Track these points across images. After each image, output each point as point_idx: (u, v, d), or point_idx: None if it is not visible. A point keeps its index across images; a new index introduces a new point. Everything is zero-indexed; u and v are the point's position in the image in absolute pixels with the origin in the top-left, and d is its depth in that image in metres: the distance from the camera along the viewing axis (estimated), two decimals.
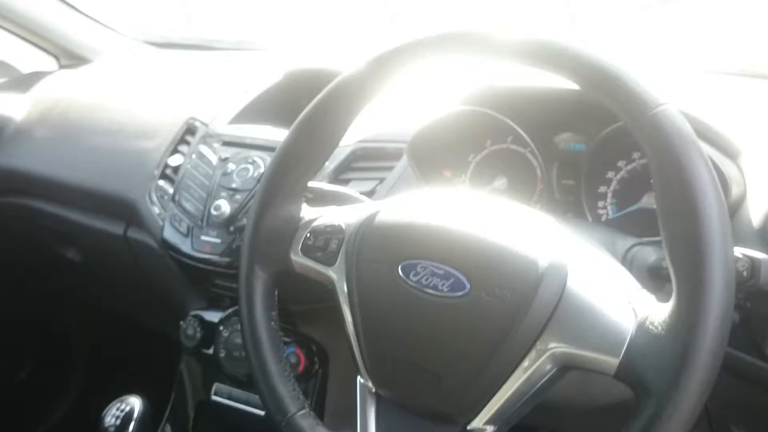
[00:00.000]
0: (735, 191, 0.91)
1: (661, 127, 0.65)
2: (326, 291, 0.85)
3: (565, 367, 0.70)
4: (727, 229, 0.64)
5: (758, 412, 1.03)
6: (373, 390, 0.81)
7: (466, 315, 0.72)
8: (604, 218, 1.05)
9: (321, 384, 1.26)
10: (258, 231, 0.89)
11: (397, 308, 0.76)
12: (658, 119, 0.65)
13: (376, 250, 0.79)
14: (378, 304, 0.78)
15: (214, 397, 1.34)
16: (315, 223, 0.88)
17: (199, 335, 1.30)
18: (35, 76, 1.77)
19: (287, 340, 1.24)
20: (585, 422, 1.23)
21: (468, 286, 0.72)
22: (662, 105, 0.65)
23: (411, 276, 0.76)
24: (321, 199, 0.94)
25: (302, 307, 1.24)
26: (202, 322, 1.31)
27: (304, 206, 0.91)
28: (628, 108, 0.67)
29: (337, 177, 1.14)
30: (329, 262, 0.84)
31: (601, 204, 1.06)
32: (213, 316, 1.31)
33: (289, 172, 0.89)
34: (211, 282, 1.27)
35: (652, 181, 0.67)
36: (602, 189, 1.06)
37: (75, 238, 1.57)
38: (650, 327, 0.66)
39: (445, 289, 0.73)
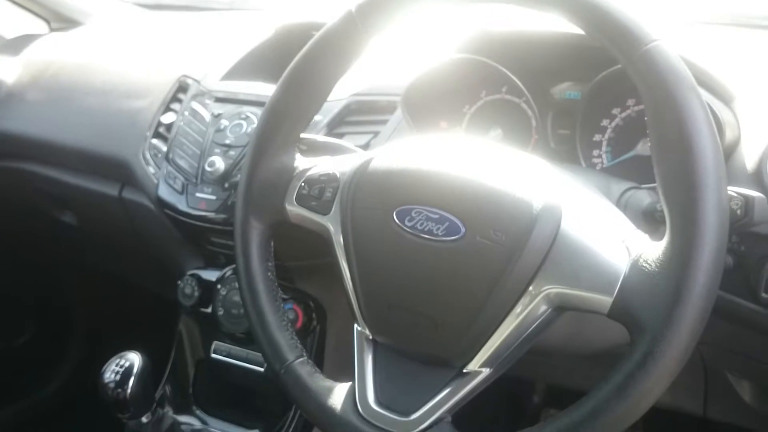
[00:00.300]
0: (729, 135, 0.91)
1: (654, 62, 0.64)
2: (322, 244, 0.85)
3: (560, 308, 0.71)
4: (720, 164, 0.64)
5: (752, 357, 1.04)
6: (370, 337, 0.81)
7: (461, 259, 0.72)
8: (599, 167, 1.05)
9: (319, 340, 1.27)
10: (252, 182, 0.89)
11: (393, 254, 0.76)
12: (651, 55, 0.65)
13: (371, 197, 0.79)
14: (373, 250, 0.78)
15: (214, 356, 1.34)
16: (309, 173, 0.87)
17: (196, 294, 1.31)
18: (26, 39, 1.75)
19: (285, 296, 1.24)
20: (580, 373, 1.24)
21: (463, 229, 0.72)
22: (655, 41, 0.65)
23: (406, 221, 0.76)
24: (315, 150, 0.94)
25: (299, 263, 1.24)
26: (200, 281, 1.32)
27: (298, 156, 0.90)
28: (621, 45, 0.67)
29: (331, 131, 1.14)
30: (324, 210, 0.84)
31: (596, 153, 1.06)
32: (210, 275, 1.32)
33: (281, 123, 0.88)
34: (207, 240, 1.27)
35: (646, 118, 0.67)
36: (597, 137, 1.05)
37: (70, 201, 1.56)
38: (644, 265, 0.66)
39: (440, 234, 0.73)
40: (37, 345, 2.04)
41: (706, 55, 0.99)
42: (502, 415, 1.70)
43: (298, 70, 0.87)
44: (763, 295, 0.85)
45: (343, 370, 0.84)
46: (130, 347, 1.13)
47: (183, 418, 1.33)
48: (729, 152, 0.90)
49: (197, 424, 1.33)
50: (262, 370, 1.28)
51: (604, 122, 1.05)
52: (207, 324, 1.34)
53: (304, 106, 0.88)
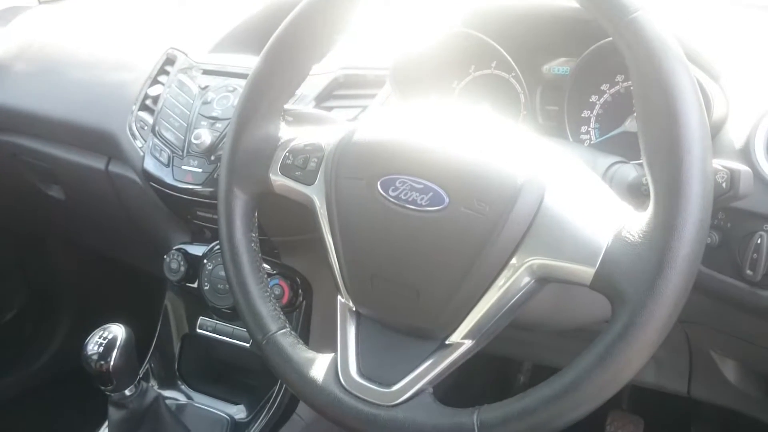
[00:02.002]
0: (718, 111, 0.90)
1: (641, 29, 0.64)
2: (309, 219, 0.84)
3: (543, 279, 0.70)
4: (706, 133, 0.63)
5: (737, 336, 1.04)
6: (353, 308, 0.81)
7: (444, 229, 0.72)
8: (587, 143, 1.05)
9: (305, 315, 1.27)
10: (236, 151, 0.88)
11: (377, 224, 0.76)
12: (638, 22, 0.64)
13: (355, 167, 0.79)
14: (357, 220, 0.78)
15: (199, 331, 1.35)
16: (293, 143, 0.87)
17: (183, 269, 1.30)
18: (14, 11, 1.74)
19: (271, 272, 1.24)
20: (567, 352, 1.24)
21: (447, 199, 0.72)
22: (642, 9, 0.64)
23: (390, 191, 0.75)
24: (301, 121, 0.93)
25: (286, 238, 1.24)
26: (186, 255, 1.31)
27: (283, 126, 0.90)
28: (607, 13, 0.66)
29: (319, 105, 1.13)
30: (308, 180, 0.84)
31: (584, 129, 1.05)
32: (197, 250, 1.31)
33: (265, 92, 0.88)
34: (193, 214, 1.26)
35: (632, 87, 0.66)
36: (585, 113, 1.05)
37: (57, 175, 1.56)
38: (627, 236, 0.65)
39: (424, 204, 0.73)
40: (24, 320, 2.04)
41: (695, 30, 0.99)
42: (488, 394, 1.70)
43: (281, 38, 0.86)
44: (748, 272, 0.85)
45: (329, 346, 0.84)
46: (118, 322, 1.12)
47: (167, 393, 1.33)
48: (717, 128, 0.90)
49: (182, 398, 1.33)
50: (247, 345, 1.28)
51: (593, 98, 1.04)
52: (193, 299, 1.34)
53: (288, 75, 0.88)
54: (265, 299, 0.87)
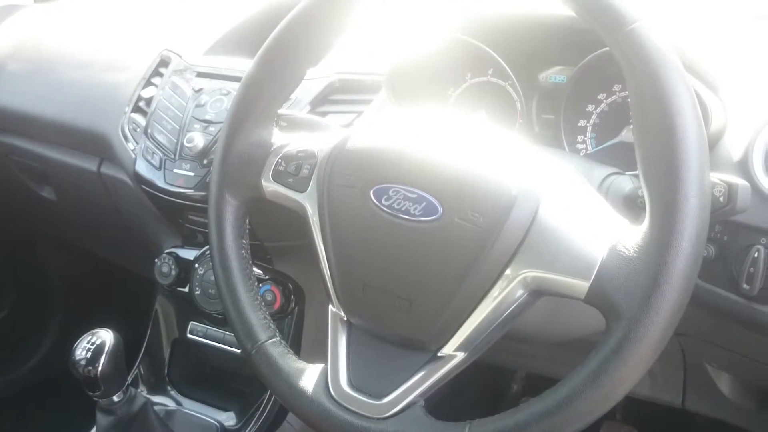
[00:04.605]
0: (716, 123, 0.89)
1: (639, 41, 0.63)
2: (301, 224, 0.83)
3: (536, 292, 0.69)
4: (704, 147, 0.62)
5: (732, 349, 1.03)
6: (345, 318, 0.80)
7: (438, 239, 0.71)
8: (583, 153, 1.04)
9: (297, 322, 1.26)
10: (227, 156, 0.87)
11: (369, 233, 0.75)
12: (636, 33, 0.63)
13: (348, 175, 0.78)
14: (349, 229, 0.77)
15: (190, 336, 1.33)
16: (286, 149, 0.86)
17: (174, 273, 1.29)
18: (9, 10, 1.73)
19: (264, 277, 1.23)
20: (560, 362, 1.23)
21: (440, 210, 0.71)
22: (640, 20, 0.64)
23: (383, 200, 0.74)
24: (294, 127, 0.92)
25: (278, 244, 1.23)
26: (177, 259, 1.30)
27: (276, 132, 0.89)
28: (605, 23, 0.65)
29: (313, 110, 1.12)
30: (301, 188, 0.83)
31: (580, 138, 1.04)
32: (188, 254, 1.30)
33: (258, 97, 0.87)
34: (185, 217, 1.25)
35: (629, 99, 0.65)
36: (582, 123, 1.04)
37: (49, 175, 1.54)
38: (622, 250, 0.65)
39: (418, 213, 0.72)
40: (14, 322, 2.02)
41: (697, 41, 0.98)
42: (480, 403, 1.69)
43: (277, 42, 0.85)
44: (745, 286, 0.84)
45: (321, 354, 0.83)
46: (108, 325, 1.11)
47: (156, 399, 1.32)
48: (715, 140, 0.89)
49: (171, 404, 1.32)
50: (238, 351, 1.26)
51: (590, 107, 1.03)
52: (184, 304, 1.32)
53: (283, 79, 0.87)
54: (255, 307, 0.86)
